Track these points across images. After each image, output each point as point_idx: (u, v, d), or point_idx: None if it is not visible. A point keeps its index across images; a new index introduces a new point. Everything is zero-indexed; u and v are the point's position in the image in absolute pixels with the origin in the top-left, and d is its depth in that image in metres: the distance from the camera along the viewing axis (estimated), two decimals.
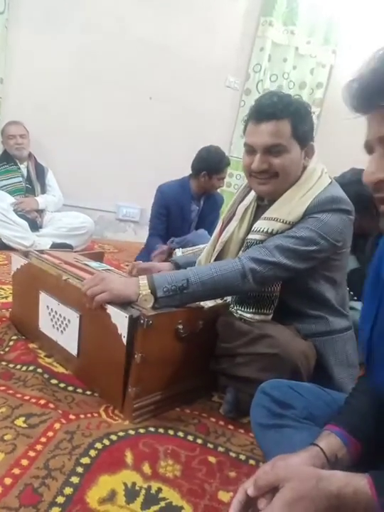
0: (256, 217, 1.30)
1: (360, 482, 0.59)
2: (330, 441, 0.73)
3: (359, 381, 0.87)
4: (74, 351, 1.23)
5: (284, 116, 1.15)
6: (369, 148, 0.63)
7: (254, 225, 1.24)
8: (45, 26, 3.03)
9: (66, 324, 1.24)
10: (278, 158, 1.17)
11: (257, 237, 1.20)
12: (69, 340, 1.24)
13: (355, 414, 0.78)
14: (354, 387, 0.86)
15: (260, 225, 1.22)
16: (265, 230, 1.19)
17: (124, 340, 1.05)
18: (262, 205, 1.31)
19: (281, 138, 1.15)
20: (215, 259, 1.36)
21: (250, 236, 1.23)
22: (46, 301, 1.31)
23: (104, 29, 3.16)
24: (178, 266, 1.50)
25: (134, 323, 1.04)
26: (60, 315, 1.26)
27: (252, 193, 1.35)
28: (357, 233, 1.66)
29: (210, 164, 2.45)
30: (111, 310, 1.08)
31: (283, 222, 1.17)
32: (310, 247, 1.13)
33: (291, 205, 1.18)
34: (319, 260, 1.18)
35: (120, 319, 1.06)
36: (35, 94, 3.08)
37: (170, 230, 2.59)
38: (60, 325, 1.27)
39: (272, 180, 1.20)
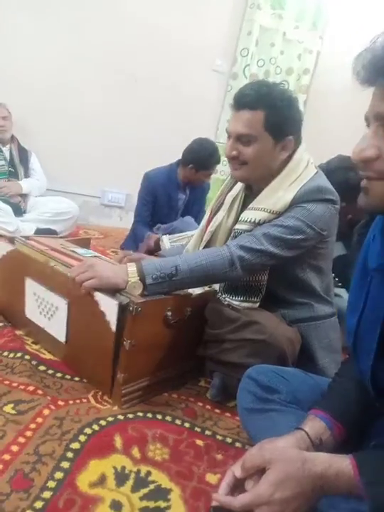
0: (244, 206, 1.31)
1: (343, 463, 0.62)
2: (314, 425, 0.75)
3: (342, 366, 0.90)
4: (62, 338, 1.23)
5: (257, 108, 1.15)
6: (368, 123, 0.64)
7: (241, 215, 1.25)
8: (30, 5, 2.93)
9: (54, 311, 1.24)
10: (247, 147, 1.19)
11: (244, 226, 1.21)
12: (57, 327, 1.24)
13: (339, 399, 0.81)
14: (337, 372, 0.89)
15: (247, 215, 1.23)
16: (252, 219, 1.20)
17: (113, 327, 1.06)
18: (249, 195, 1.32)
19: (251, 128, 1.17)
20: (204, 248, 1.37)
21: (237, 226, 1.24)
22: (33, 288, 1.30)
23: (90, 9, 3.07)
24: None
25: (123, 310, 1.05)
26: (47, 302, 1.25)
27: (240, 183, 1.36)
28: (344, 220, 1.69)
29: (199, 159, 2.42)
30: (99, 297, 1.08)
31: (269, 212, 1.18)
32: (297, 236, 1.15)
33: (277, 195, 1.19)
34: (306, 248, 1.20)
35: (109, 306, 1.06)
36: (19, 75, 2.99)
37: (156, 217, 2.58)
38: (47, 312, 1.26)
39: (242, 167, 1.23)
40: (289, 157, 1.23)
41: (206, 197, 2.82)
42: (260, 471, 0.65)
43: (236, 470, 0.69)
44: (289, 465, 0.63)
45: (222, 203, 1.38)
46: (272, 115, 1.15)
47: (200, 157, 2.41)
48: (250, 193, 1.32)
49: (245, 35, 3.56)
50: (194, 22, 3.38)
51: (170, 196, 2.57)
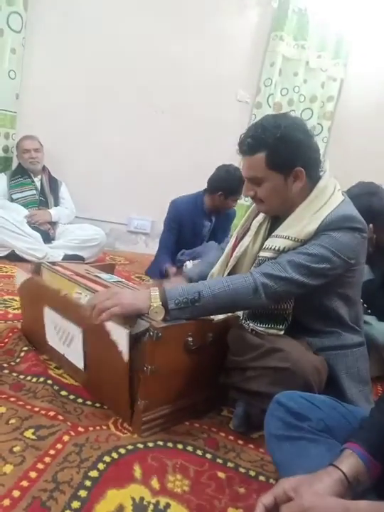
0: (270, 232, 1.29)
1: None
2: (352, 463, 0.70)
3: None
4: (80, 365, 1.23)
5: (256, 152, 1.18)
6: None
7: (266, 243, 1.24)
8: (60, 44, 3.12)
9: (71, 339, 1.23)
10: (259, 187, 1.22)
11: (268, 254, 1.20)
12: (75, 354, 1.24)
13: (378, 431, 0.76)
14: (381, 397, 0.84)
15: (271, 242, 1.21)
16: (276, 247, 1.18)
17: (125, 356, 1.03)
18: (275, 222, 1.30)
19: (255, 171, 1.20)
20: (229, 274, 1.35)
21: (261, 253, 1.23)
22: (50, 316, 1.31)
23: (115, 45, 3.23)
24: (190, 280, 1.48)
25: (136, 339, 1.02)
26: (64, 330, 1.25)
27: None
28: (371, 245, 1.65)
29: (229, 185, 2.44)
30: (110, 326, 1.06)
31: (294, 240, 1.17)
32: (322, 265, 1.12)
33: (302, 223, 1.17)
34: (332, 277, 1.16)
35: (120, 335, 1.04)
36: (50, 109, 3.15)
37: (182, 244, 2.60)
38: (65, 339, 1.26)
39: (261, 203, 1.26)
40: (313, 184, 1.21)
41: (232, 224, 2.83)
42: None
43: None
44: None
45: (248, 229, 1.37)
46: (271, 155, 1.16)
47: (229, 184, 2.43)
48: (276, 219, 1.31)
49: (268, 66, 3.64)
50: (218, 54, 3.49)
51: (195, 223, 2.59)
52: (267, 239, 1.28)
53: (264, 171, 1.18)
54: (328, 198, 1.19)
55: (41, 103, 3.13)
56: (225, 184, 2.45)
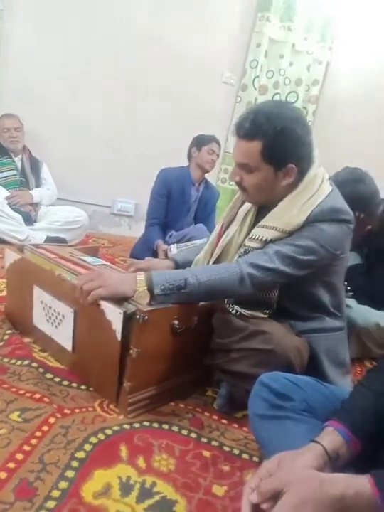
0: (256, 221, 1.28)
1: (361, 483, 0.60)
2: (332, 439, 0.73)
3: (368, 375, 0.87)
4: (68, 346, 1.23)
5: (254, 139, 1.14)
6: None
7: (252, 232, 1.23)
8: (41, 18, 3.00)
9: (61, 319, 1.24)
10: (248, 175, 1.20)
11: (254, 244, 1.19)
12: (63, 336, 1.24)
13: (359, 411, 0.78)
14: (360, 381, 0.86)
15: (257, 232, 1.21)
16: (262, 238, 1.18)
17: (119, 336, 1.05)
18: (261, 211, 1.29)
19: (248, 158, 1.17)
20: (214, 262, 1.35)
21: (247, 243, 1.22)
22: (40, 296, 1.31)
23: (100, 23, 3.13)
24: (176, 264, 1.48)
25: (128, 319, 1.04)
26: (54, 310, 1.26)
27: None
28: (360, 232, 1.68)
29: (197, 139, 2.64)
30: (105, 306, 1.08)
31: (281, 231, 1.16)
32: (309, 256, 1.13)
33: (290, 215, 1.16)
34: (317, 268, 1.18)
35: (114, 315, 1.06)
36: (31, 87, 3.05)
37: (169, 215, 2.62)
38: (54, 320, 1.27)
39: (245, 192, 1.25)
40: (302, 176, 1.19)
41: (217, 203, 2.87)
42: (277, 493, 0.64)
43: (251, 495, 0.67)
44: (307, 487, 0.62)
45: (235, 217, 1.36)
46: (269, 146, 1.13)
47: (197, 138, 2.66)
48: (263, 207, 1.30)
49: (254, 47, 3.60)
50: (203, 35, 3.42)
51: (184, 191, 2.63)
52: (252, 228, 1.27)
53: (257, 161, 1.16)
54: (316, 189, 1.18)
55: (21, 81, 3.03)
56: (194, 141, 2.65)
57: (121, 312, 1.03)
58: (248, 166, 1.18)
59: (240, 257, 1.22)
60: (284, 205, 1.19)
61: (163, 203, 2.60)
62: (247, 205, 1.34)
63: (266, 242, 1.18)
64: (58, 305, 1.23)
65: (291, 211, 1.17)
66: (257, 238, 1.19)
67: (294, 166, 1.16)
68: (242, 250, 1.24)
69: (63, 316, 1.22)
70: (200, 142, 2.62)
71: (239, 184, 1.24)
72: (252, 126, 1.14)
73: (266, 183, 1.19)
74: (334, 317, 1.29)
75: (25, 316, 1.39)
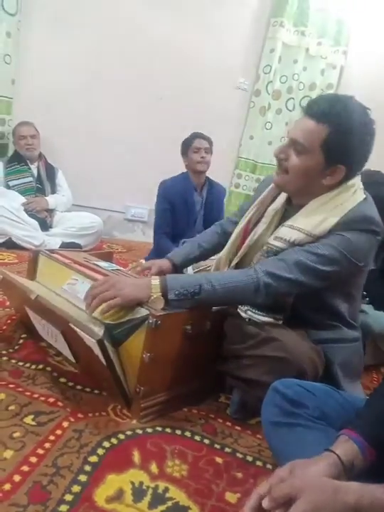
0: (282, 220, 1.25)
1: (377, 492, 0.59)
2: (347, 448, 0.72)
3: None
4: (71, 358, 1.21)
5: (324, 123, 1.07)
6: None
7: (279, 231, 1.19)
8: (57, 28, 3.06)
9: (56, 336, 1.19)
10: (296, 156, 1.12)
11: (279, 244, 1.16)
12: (63, 349, 1.21)
13: (375, 420, 0.76)
14: (377, 389, 0.85)
15: (283, 232, 1.17)
16: (288, 238, 1.15)
17: (103, 360, 1.00)
18: (290, 210, 1.25)
19: (307, 139, 1.09)
20: (239, 262, 1.33)
21: (272, 242, 1.18)
22: (32, 315, 1.27)
23: (114, 30, 3.18)
24: (174, 265, 1.48)
25: (103, 346, 0.97)
26: (48, 327, 1.21)
27: (282, 196, 1.29)
28: None
29: (182, 146, 2.61)
30: (81, 334, 0.99)
31: (307, 234, 1.12)
32: (330, 267, 1.09)
33: (319, 218, 1.12)
34: (336, 279, 1.14)
35: (91, 343, 0.98)
36: (47, 95, 3.11)
37: (176, 226, 2.59)
38: (52, 335, 1.23)
39: (282, 175, 1.17)
40: (342, 182, 1.15)
41: (224, 198, 2.82)
42: (289, 500, 0.62)
43: (264, 500, 0.65)
44: (320, 495, 0.60)
45: (262, 216, 1.31)
46: (334, 137, 1.07)
47: (182, 143, 2.61)
48: (290, 207, 1.26)
49: (268, 52, 3.60)
50: (217, 41, 3.45)
51: (187, 200, 2.58)
52: (277, 226, 1.24)
53: (315, 145, 1.09)
54: (350, 196, 1.14)
55: (38, 89, 3.09)
56: (181, 149, 2.61)
57: (94, 342, 0.95)
58: (302, 146, 1.10)
59: (262, 256, 1.19)
60: (315, 207, 1.15)
61: (168, 217, 2.56)
62: (277, 205, 1.29)
63: (291, 244, 1.14)
64: (48, 324, 1.19)
65: (320, 214, 1.12)
66: (283, 238, 1.16)
67: (344, 168, 1.11)
68: (265, 248, 1.20)
69: (56, 334, 1.18)
70: (184, 147, 2.59)
71: (281, 163, 1.16)
72: (327, 109, 1.07)
73: (310, 172, 1.12)
74: (350, 327, 1.25)
75: (32, 326, 1.36)
